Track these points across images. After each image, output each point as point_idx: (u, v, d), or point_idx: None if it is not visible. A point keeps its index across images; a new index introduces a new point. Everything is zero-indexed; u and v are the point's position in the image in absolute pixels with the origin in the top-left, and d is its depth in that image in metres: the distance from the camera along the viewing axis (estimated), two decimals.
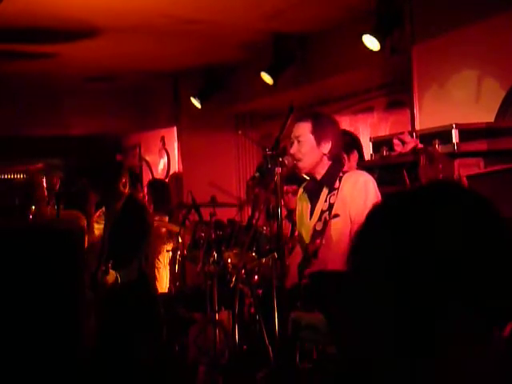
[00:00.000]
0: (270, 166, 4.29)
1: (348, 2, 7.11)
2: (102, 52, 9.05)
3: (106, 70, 10.12)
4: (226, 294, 6.96)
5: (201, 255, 7.28)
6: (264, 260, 6.43)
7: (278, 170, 4.25)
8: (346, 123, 8.87)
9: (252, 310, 6.68)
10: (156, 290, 6.65)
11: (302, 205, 4.56)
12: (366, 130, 8.58)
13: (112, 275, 5.65)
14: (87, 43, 8.59)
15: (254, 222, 6.62)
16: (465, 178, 4.86)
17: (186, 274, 7.94)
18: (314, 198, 4.41)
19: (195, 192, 8.26)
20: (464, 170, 4.93)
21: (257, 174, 4.88)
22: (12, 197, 13.07)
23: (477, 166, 5.05)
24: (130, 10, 7.30)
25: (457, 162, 4.92)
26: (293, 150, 4.41)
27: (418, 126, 6.39)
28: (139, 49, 8.95)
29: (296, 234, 5.27)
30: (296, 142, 4.41)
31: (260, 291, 6.48)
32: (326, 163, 4.39)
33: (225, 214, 8.11)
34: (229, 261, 7.08)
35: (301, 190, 4.62)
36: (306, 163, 4.40)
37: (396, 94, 7.90)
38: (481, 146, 5.04)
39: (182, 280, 7.79)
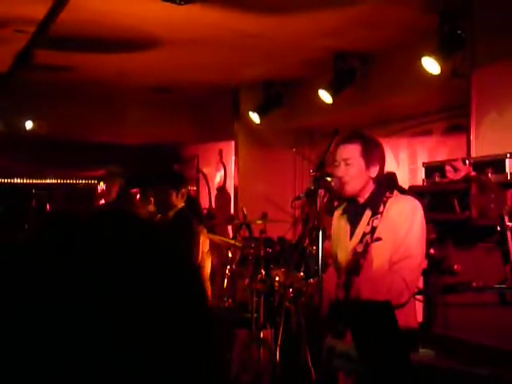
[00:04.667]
0: (313, 187, 4.21)
1: (410, 23, 7.02)
2: (164, 63, 9.11)
3: (167, 81, 10.20)
4: (272, 312, 6.91)
5: (249, 272, 7.24)
6: (312, 280, 6.35)
7: (321, 192, 4.18)
8: (403, 146, 8.75)
9: (298, 330, 6.61)
10: None
11: (339, 225, 4.46)
12: (424, 153, 8.44)
13: None
14: (149, 54, 8.66)
15: (304, 241, 6.56)
16: None
17: (235, 290, 7.90)
18: (354, 220, 4.31)
19: (249, 207, 8.22)
20: None
21: (301, 195, 4.81)
22: (74, 202, 13.27)
23: None
24: (192, 22, 7.33)
25: (510, 193, 4.78)
26: (340, 173, 4.30)
27: (474, 153, 6.25)
28: (201, 61, 8.98)
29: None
30: (343, 165, 4.29)
31: (307, 311, 6.41)
32: (371, 186, 4.30)
33: (278, 231, 8.06)
34: (276, 279, 7.03)
35: (339, 211, 4.52)
36: (353, 186, 4.30)
37: (456, 118, 7.75)
38: None
39: (230, 295, 7.76)
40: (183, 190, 6.21)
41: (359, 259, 4.06)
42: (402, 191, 4.60)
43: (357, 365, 3.42)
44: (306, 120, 9.83)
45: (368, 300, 3.79)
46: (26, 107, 10.30)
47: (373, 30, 7.40)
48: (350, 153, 4.28)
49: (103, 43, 8.21)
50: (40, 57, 8.23)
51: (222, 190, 11.28)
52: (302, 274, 6.58)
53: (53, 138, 11.46)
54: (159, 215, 6.59)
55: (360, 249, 4.10)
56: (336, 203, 5.24)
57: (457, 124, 7.79)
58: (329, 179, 4.41)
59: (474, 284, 4.27)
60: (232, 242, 7.63)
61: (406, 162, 8.72)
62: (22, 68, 8.49)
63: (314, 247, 6.50)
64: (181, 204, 6.17)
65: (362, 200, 4.28)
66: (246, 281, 7.40)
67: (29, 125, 10.50)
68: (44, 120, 10.50)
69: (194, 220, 6.59)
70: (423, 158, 8.17)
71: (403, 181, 7.59)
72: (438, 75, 6.81)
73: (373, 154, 4.29)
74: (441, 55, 6.63)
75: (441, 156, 7.89)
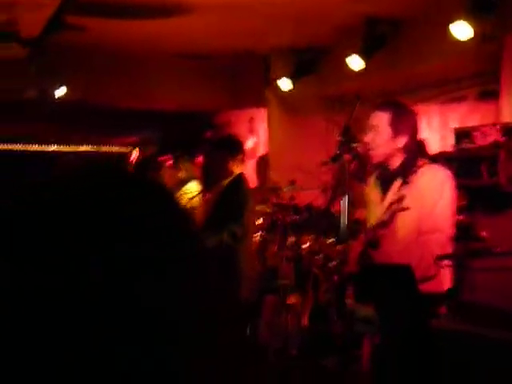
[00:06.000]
0: (339, 152, 4.20)
1: None
2: (196, 30, 9.08)
3: (198, 47, 10.17)
4: (301, 279, 6.93)
5: (277, 238, 7.27)
6: (341, 246, 6.35)
7: (347, 156, 4.16)
8: (435, 112, 8.67)
9: (327, 295, 6.64)
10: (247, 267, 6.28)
11: (373, 193, 4.46)
12: (456, 120, 8.35)
13: None
14: (181, 20, 8.65)
15: (332, 207, 6.56)
16: None
17: (265, 256, 7.91)
18: (385, 188, 4.29)
19: (280, 174, 8.22)
20: None
21: (328, 160, 4.79)
22: None
23: None
24: None
25: None
26: (367, 139, 4.29)
27: (505, 119, 6.17)
28: (232, 27, 8.95)
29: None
30: (372, 131, 4.29)
31: (336, 277, 6.39)
32: (401, 155, 4.27)
33: (309, 198, 8.05)
34: (305, 245, 7.05)
35: (373, 177, 4.51)
36: (378, 154, 4.28)
37: (488, 84, 7.65)
38: None
39: (260, 262, 7.78)
40: (240, 157, 6.08)
41: (379, 233, 4.05)
42: (431, 158, 4.56)
43: (377, 328, 3.43)
44: (337, 86, 9.74)
45: (388, 264, 3.79)
46: (58, 73, 10.32)
47: None
48: (379, 120, 4.26)
49: (136, 9, 8.22)
50: (72, 22, 8.26)
51: (252, 157, 11.25)
52: (332, 240, 6.59)
53: (86, 105, 11.51)
54: (214, 183, 6.51)
55: (386, 218, 4.09)
56: (367, 170, 5.24)
57: (489, 90, 7.69)
58: (355, 145, 4.40)
59: (498, 249, 4.25)
60: (260, 208, 7.64)
61: (437, 128, 8.65)
62: (54, 33, 8.52)
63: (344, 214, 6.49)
64: (238, 171, 6.04)
65: (393, 167, 4.26)
66: (275, 247, 7.42)
67: (61, 91, 10.52)
68: (75, 86, 10.54)
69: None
70: (455, 124, 8.09)
71: (435, 148, 7.54)
72: (470, 40, 6.71)
73: (402, 123, 4.24)
74: (472, 19, 6.53)
75: (473, 122, 7.79)
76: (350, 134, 4.29)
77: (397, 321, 3.17)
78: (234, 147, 6.12)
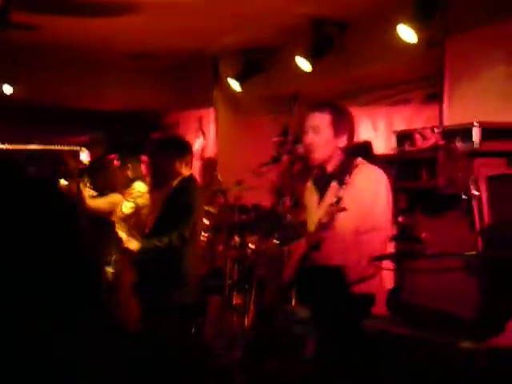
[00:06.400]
0: (277, 153, 4.22)
1: None
2: (144, 29, 9.04)
3: (146, 47, 10.12)
4: (245, 279, 6.94)
5: (223, 238, 7.26)
6: (284, 247, 6.37)
7: (285, 158, 4.18)
8: (381, 114, 8.74)
9: (271, 296, 6.66)
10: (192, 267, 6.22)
11: (310, 196, 4.48)
12: (401, 122, 8.43)
13: (134, 243, 5.70)
14: (128, 19, 8.60)
15: (277, 208, 6.57)
16: (485, 179, 4.73)
17: (211, 256, 7.90)
18: (322, 190, 4.31)
19: (229, 174, 8.21)
20: (486, 170, 4.79)
21: (268, 161, 4.81)
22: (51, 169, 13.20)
23: (502, 167, 4.90)
24: None
25: (477, 161, 4.77)
26: (308, 140, 4.30)
27: (447, 122, 6.24)
28: (180, 27, 8.92)
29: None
30: (312, 132, 4.30)
31: (279, 279, 6.43)
32: (339, 156, 4.29)
33: (257, 199, 8.04)
34: (250, 246, 7.05)
35: (310, 181, 4.53)
36: (320, 155, 4.30)
37: (433, 87, 7.73)
38: (506, 146, 4.88)
39: (207, 261, 7.76)
40: (188, 158, 6.00)
41: (319, 235, 4.06)
42: (373, 160, 4.59)
43: (312, 328, 3.45)
44: (285, 87, 9.73)
45: (322, 266, 3.81)
46: (4, 71, 10.19)
47: None
48: (319, 121, 4.28)
49: (82, 7, 8.14)
50: (18, 18, 8.14)
51: (201, 157, 11.23)
52: (275, 241, 6.60)
53: (33, 104, 11.38)
54: (162, 183, 6.43)
55: (325, 220, 4.11)
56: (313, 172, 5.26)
57: (434, 93, 7.77)
58: (296, 146, 4.42)
59: (429, 251, 4.30)
60: (207, 208, 7.62)
61: (383, 130, 8.72)
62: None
63: (289, 215, 6.52)
64: (187, 172, 5.97)
65: (330, 169, 4.28)
66: (221, 248, 7.42)
67: (7, 89, 10.39)
68: (22, 84, 10.42)
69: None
70: (400, 126, 8.17)
71: (380, 150, 7.59)
72: (415, 44, 6.77)
73: (342, 123, 4.28)
74: (417, 23, 6.59)
75: (418, 125, 7.85)
76: (291, 135, 4.31)
77: (329, 322, 3.18)
78: (181, 148, 6.06)
